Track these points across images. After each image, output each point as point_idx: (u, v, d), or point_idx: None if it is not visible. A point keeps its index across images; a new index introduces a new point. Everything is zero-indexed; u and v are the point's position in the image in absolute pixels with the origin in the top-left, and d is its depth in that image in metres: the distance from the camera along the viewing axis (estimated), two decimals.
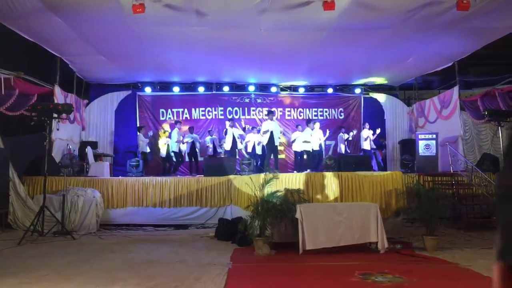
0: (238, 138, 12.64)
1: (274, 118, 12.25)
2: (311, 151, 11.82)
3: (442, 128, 12.09)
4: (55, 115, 7.69)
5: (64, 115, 8.36)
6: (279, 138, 11.89)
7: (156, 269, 5.22)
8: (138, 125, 13.78)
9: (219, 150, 13.14)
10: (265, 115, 14.22)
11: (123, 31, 9.03)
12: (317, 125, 12.42)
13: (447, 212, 7.60)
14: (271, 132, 11.26)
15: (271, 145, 11.49)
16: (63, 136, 11.34)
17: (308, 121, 12.47)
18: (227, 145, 12.30)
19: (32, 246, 6.83)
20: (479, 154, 11.58)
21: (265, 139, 11.44)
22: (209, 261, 5.69)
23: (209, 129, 13.87)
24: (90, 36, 9.53)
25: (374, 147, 13.18)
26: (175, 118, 14.28)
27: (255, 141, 12.48)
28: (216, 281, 4.60)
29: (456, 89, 11.78)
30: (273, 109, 13.89)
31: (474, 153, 11.75)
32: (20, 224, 8.16)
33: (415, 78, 14.05)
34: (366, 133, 13.27)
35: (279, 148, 12.94)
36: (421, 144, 11.58)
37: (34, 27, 8.72)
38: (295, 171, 11.33)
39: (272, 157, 11.52)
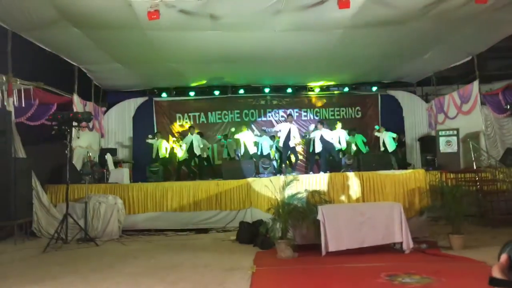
0: (256, 135, 12.65)
1: (292, 120, 12.15)
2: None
3: (463, 124, 11.84)
4: (75, 123, 7.78)
5: (84, 123, 8.45)
6: (295, 139, 11.84)
7: (179, 274, 5.22)
8: (155, 131, 13.85)
9: (233, 155, 13.10)
10: (281, 116, 14.28)
11: (138, 39, 9.10)
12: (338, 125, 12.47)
13: (472, 209, 7.44)
14: (288, 134, 11.26)
15: (286, 147, 11.48)
16: (83, 144, 11.49)
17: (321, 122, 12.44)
18: (242, 149, 12.29)
19: (56, 253, 6.90)
20: (502, 149, 11.32)
21: (280, 140, 11.44)
22: (232, 265, 5.66)
23: (225, 133, 13.87)
24: (106, 45, 9.64)
25: (392, 149, 12.94)
26: (191, 123, 14.35)
27: (269, 144, 12.53)
28: (241, 285, 4.58)
29: (476, 84, 11.54)
30: (289, 111, 13.91)
31: (497, 148, 11.48)
32: (44, 232, 8.26)
33: (433, 73, 13.83)
34: (382, 135, 13.04)
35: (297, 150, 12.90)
36: (442, 140, 11.37)
37: (51, 37, 8.86)
38: (311, 172, 11.29)
39: (293, 159, 11.52)
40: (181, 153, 12.52)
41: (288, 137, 11.45)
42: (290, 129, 11.47)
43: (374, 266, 5.33)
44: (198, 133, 12.84)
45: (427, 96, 15.19)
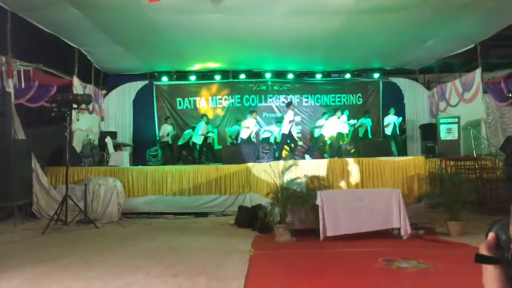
0: (255, 126, 12.64)
1: (293, 108, 12.13)
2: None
3: (464, 112, 11.81)
4: (74, 106, 7.74)
5: (83, 106, 8.42)
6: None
7: (178, 257, 5.25)
8: (164, 115, 13.81)
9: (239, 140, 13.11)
10: (285, 105, 14.21)
11: (138, 21, 9.02)
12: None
13: (471, 197, 7.44)
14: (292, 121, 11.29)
15: (290, 134, 11.47)
16: (83, 126, 11.47)
17: (335, 110, 12.44)
18: (245, 134, 12.27)
19: (56, 235, 6.94)
20: (503, 138, 11.29)
21: (286, 129, 11.44)
22: (230, 248, 5.69)
23: (239, 120, 13.81)
24: (106, 26, 9.55)
25: (398, 133, 13.00)
26: (192, 107, 14.34)
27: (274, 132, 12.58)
28: (238, 268, 4.60)
29: (478, 72, 11.47)
30: (289, 98, 13.88)
31: (498, 137, 11.46)
32: (44, 214, 8.30)
33: (436, 61, 13.73)
34: (390, 118, 13.07)
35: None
36: (443, 128, 11.35)
37: (51, 18, 8.79)
38: (307, 156, 11.35)
39: (293, 145, 11.55)
40: (198, 139, 12.50)
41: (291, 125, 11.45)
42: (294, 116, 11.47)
43: (372, 251, 5.36)
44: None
45: (429, 83, 15.13)
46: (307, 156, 11.40)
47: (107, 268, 4.74)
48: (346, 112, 13.04)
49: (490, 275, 0.70)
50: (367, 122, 13.47)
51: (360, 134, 13.27)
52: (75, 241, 6.44)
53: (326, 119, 12.30)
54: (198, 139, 12.37)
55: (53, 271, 4.60)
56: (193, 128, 12.91)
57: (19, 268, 4.73)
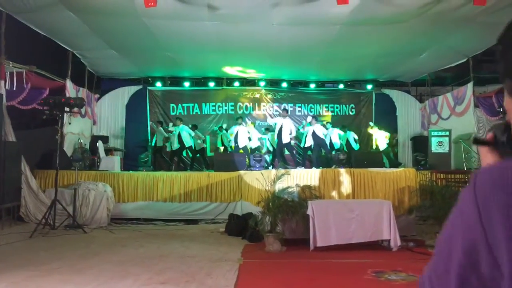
0: (248, 133, 12.66)
1: (286, 115, 12.18)
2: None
3: (456, 125, 11.91)
4: (67, 109, 7.70)
5: (76, 109, 8.37)
6: (290, 134, 11.83)
7: (167, 264, 5.21)
8: (158, 120, 13.71)
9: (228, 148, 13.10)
10: (275, 111, 14.28)
11: (134, 26, 9.00)
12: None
13: None
14: (280, 129, 11.32)
15: (280, 142, 11.51)
16: (75, 130, 11.40)
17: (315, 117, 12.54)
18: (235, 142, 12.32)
19: (43, 239, 6.86)
20: None
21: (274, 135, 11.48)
22: (220, 256, 5.67)
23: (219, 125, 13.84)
24: (101, 30, 9.53)
25: (384, 147, 13.03)
26: (185, 113, 14.31)
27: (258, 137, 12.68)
28: (227, 277, 4.58)
29: (470, 86, 11.60)
30: (283, 106, 13.94)
31: None
32: (32, 217, 8.20)
33: (428, 74, 13.87)
34: (375, 133, 13.12)
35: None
36: (434, 141, 11.44)
37: (46, 21, 8.74)
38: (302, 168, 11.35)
39: (287, 152, 11.60)
40: (174, 143, 12.47)
41: (280, 132, 11.49)
42: (282, 124, 11.53)
43: (361, 262, 5.36)
44: (193, 126, 12.79)
45: (421, 96, 15.26)
46: (300, 168, 11.43)
47: (94, 274, 4.69)
48: (321, 121, 13.02)
49: (485, 152, 0.81)
50: (347, 135, 13.39)
51: (345, 149, 13.20)
52: (62, 246, 6.37)
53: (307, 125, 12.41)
54: (188, 142, 12.30)
55: (40, 276, 4.54)
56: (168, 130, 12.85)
57: (5, 272, 4.66)
